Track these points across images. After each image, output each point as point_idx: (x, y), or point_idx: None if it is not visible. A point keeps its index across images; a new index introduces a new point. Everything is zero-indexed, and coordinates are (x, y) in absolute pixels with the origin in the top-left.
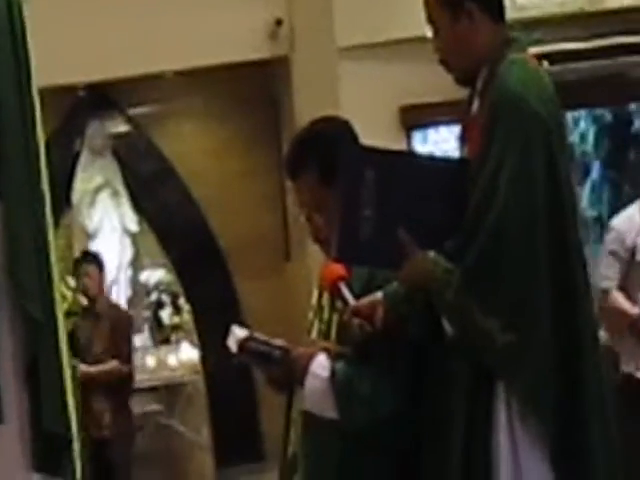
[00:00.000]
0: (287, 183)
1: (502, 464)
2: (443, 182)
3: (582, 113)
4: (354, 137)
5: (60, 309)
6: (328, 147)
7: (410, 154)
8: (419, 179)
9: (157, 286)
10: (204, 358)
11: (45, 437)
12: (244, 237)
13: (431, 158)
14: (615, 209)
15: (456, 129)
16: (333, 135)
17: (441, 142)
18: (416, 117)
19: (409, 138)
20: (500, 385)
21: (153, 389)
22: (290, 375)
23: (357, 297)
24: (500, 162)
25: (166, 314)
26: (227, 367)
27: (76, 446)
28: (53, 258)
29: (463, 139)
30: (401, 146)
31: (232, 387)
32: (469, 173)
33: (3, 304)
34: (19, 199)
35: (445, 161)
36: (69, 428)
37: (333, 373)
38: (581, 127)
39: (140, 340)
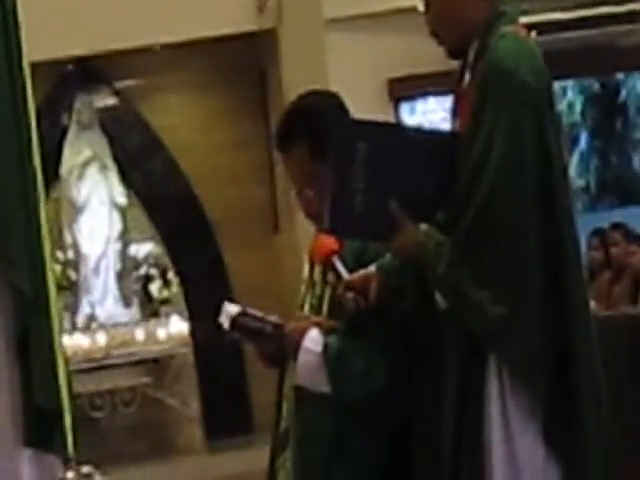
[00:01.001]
0: (275, 155)
1: (494, 436)
2: (435, 154)
3: (569, 83)
4: (344, 110)
5: (52, 284)
6: (318, 121)
7: (401, 126)
8: (410, 151)
9: (146, 259)
10: (193, 331)
11: (36, 412)
12: (232, 209)
13: (422, 130)
14: (603, 178)
15: (444, 100)
16: (322, 108)
17: (429, 113)
18: (404, 88)
19: (397, 109)
20: (492, 358)
21: (142, 362)
22: (282, 350)
23: (350, 270)
24: (491, 134)
25: (155, 287)
26: (216, 340)
27: (68, 421)
28: (45, 233)
29: (455, 112)
30: (389, 117)
31: (222, 360)
32: (460, 146)
33: None
34: (10, 173)
35: (436, 133)
36: (60, 403)
37: (326, 348)
38: (569, 97)
39: (129, 314)
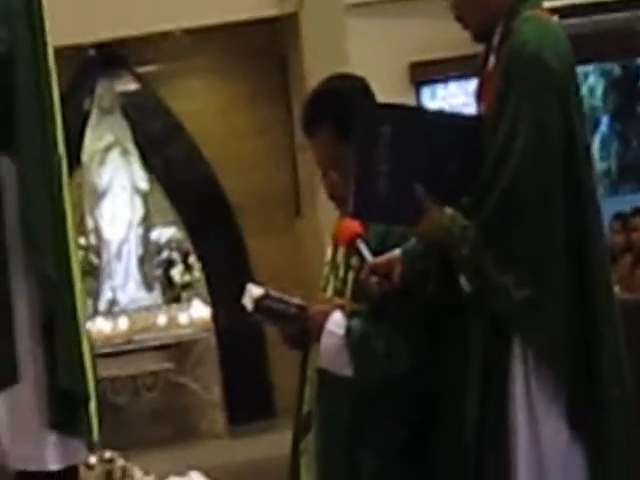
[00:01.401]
0: (297, 139)
1: (518, 419)
2: (459, 138)
3: (590, 67)
4: (369, 94)
5: (77, 268)
6: (343, 104)
7: (426, 110)
8: (435, 135)
9: (168, 244)
10: (215, 315)
11: (61, 396)
12: (254, 194)
13: (447, 114)
14: (624, 162)
15: (465, 84)
16: (348, 92)
17: (449, 97)
18: (425, 73)
19: (418, 94)
20: (516, 341)
21: (164, 347)
22: (306, 332)
23: (374, 254)
24: (516, 118)
25: (177, 272)
26: (238, 324)
27: (93, 405)
28: (69, 218)
29: (479, 95)
30: (410, 102)
31: (243, 344)
32: (485, 129)
33: (18, 261)
34: (35, 161)
35: (461, 117)
36: (86, 387)
37: (349, 330)
38: (590, 81)
39: (151, 298)
